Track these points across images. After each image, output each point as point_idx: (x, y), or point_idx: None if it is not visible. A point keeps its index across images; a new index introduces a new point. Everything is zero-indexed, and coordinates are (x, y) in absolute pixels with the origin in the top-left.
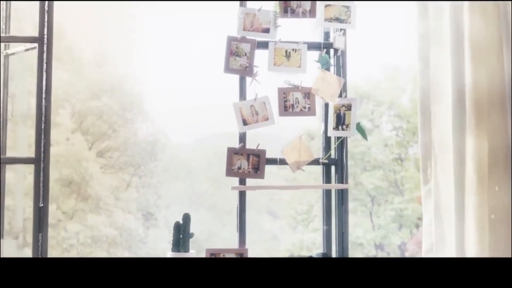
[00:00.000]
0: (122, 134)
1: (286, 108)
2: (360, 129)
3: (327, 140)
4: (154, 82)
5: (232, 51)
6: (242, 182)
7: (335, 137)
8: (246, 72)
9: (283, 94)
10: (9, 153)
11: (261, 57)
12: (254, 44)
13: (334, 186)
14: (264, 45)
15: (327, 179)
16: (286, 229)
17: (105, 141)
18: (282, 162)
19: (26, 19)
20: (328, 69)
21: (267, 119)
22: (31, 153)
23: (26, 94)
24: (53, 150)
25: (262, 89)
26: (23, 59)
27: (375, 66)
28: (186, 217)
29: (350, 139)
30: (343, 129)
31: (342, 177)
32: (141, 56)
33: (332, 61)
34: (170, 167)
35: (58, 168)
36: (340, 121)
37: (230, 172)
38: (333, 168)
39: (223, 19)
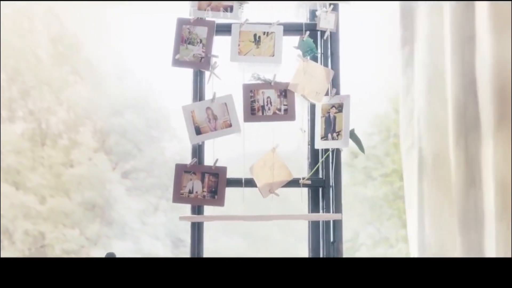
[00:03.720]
0: (148, 154)
1: (253, 111)
2: (354, 137)
3: (314, 154)
4: (180, 96)
5: (184, 38)
6: (197, 210)
7: (322, 150)
8: (201, 64)
9: (250, 92)
10: None
11: (221, 45)
12: (213, 28)
13: (320, 216)
14: (225, 28)
15: (314, 206)
16: None
17: (130, 161)
18: (249, 183)
19: None
20: (315, 58)
21: (230, 125)
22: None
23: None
24: (74, 171)
25: (223, 86)
26: (39, 74)
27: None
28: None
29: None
30: (333, 138)
31: (332, 204)
32: (165, 67)
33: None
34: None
35: (80, 190)
36: (330, 128)
37: (178, 197)
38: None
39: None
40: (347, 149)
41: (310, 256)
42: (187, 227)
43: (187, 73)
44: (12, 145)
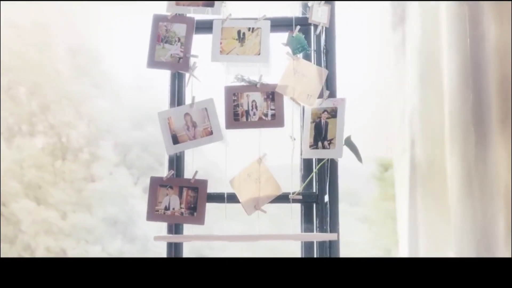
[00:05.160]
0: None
1: (237, 117)
2: (351, 146)
3: (307, 165)
4: None
5: (160, 37)
6: (174, 228)
7: (316, 160)
8: (179, 65)
9: (233, 95)
10: None
11: (202, 44)
12: (192, 25)
13: (312, 236)
14: (206, 25)
15: (308, 224)
16: None
17: (151, 176)
18: (233, 199)
19: None
20: (308, 57)
21: (211, 133)
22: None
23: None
24: (96, 186)
25: (205, 90)
26: (59, 88)
27: None
28: None
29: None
30: (324, 147)
31: (325, 222)
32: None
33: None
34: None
35: (102, 205)
36: (320, 135)
37: (153, 214)
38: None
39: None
40: (376, 162)
41: None
42: (211, 243)
43: (206, 86)
44: (33, 160)
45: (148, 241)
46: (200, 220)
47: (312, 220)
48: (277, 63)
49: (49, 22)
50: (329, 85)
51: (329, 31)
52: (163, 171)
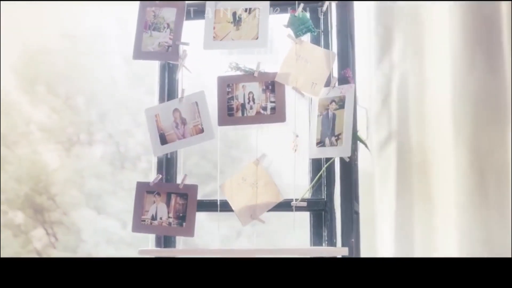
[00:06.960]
0: (228, 175)
1: (231, 111)
2: (360, 140)
3: (317, 166)
4: None
5: (147, 24)
6: (162, 241)
7: (324, 160)
8: (168, 54)
9: (227, 87)
10: None
11: (194, 31)
12: (183, 8)
13: (317, 251)
14: (200, 8)
15: (317, 236)
16: None
17: (210, 184)
18: (226, 207)
19: None
20: (317, 40)
21: (201, 131)
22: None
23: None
24: None
25: (198, 82)
26: (116, 97)
27: None
28: None
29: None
30: (331, 144)
31: (335, 234)
32: None
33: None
34: (287, 213)
35: None
36: (328, 130)
37: (138, 224)
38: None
39: None
40: None
41: None
42: None
43: None
44: (92, 169)
45: None
46: (189, 232)
47: (321, 232)
48: (283, 50)
49: (104, 31)
50: (342, 71)
51: (341, 6)
52: (221, 179)
